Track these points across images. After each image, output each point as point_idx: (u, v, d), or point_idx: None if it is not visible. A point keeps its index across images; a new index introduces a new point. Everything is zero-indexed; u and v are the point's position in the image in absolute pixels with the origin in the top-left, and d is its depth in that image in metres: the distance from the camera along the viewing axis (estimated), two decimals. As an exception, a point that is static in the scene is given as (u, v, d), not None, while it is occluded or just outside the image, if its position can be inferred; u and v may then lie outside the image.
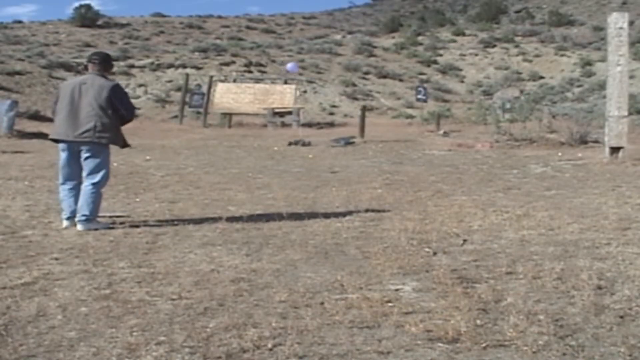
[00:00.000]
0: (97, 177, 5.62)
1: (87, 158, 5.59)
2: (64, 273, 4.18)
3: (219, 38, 48.44)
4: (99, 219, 5.69)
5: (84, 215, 5.51)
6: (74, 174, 5.69)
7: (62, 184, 5.73)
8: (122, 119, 5.71)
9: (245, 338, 3.03)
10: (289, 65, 12.27)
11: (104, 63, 5.73)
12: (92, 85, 5.54)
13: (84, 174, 5.65)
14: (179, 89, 26.51)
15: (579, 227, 5.53)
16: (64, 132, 5.57)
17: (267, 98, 21.18)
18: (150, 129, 18.68)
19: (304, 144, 14.05)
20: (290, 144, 13.99)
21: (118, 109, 5.58)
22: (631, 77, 19.74)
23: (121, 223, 5.79)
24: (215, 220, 5.92)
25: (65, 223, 5.65)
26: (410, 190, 7.82)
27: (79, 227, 5.51)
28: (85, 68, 5.87)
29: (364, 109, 18.05)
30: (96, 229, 5.47)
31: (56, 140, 5.71)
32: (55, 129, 5.68)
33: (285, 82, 24.22)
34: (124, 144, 5.87)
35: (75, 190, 5.70)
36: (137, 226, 5.68)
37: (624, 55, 10.91)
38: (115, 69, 31.61)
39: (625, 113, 10.90)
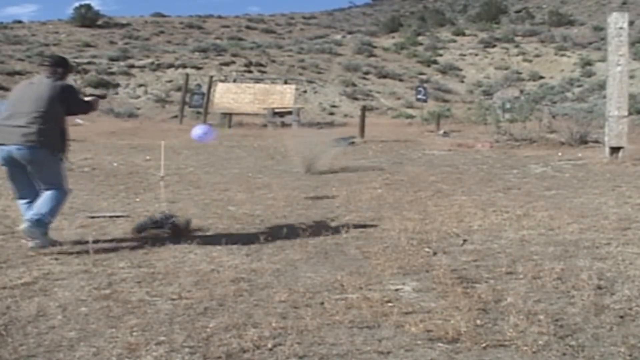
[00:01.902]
0: (55, 191, 4.86)
1: (35, 173, 4.84)
2: (64, 273, 4.19)
3: (219, 38, 48.44)
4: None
5: (37, 215, 4.75)
6: (26, 190, 4.97)
7: (18, 199, 5.06)
8: (76, 113, 5.19)
9: (245, 338, 3.03)
10: (199, 133, 6.01)
11: (56, 66, 5.02)
12: (38, 86, 4.93)
13: (41, 189, 4.90)
14: (179, 89, 26.52)
15: (579, 227, 5.52)
16: (3, 137, 4.82)
17: (267, 98, 21.18)
18: (150, 129, 18.68)
19: (175, 227, 5.48)
20: (139, 230, 5.49)
21: (64, 110, 4.94)
22: (631, 77, 19.76)
23: (120, 223, 5.79)
24: (215, 220, 5.92)
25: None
26: (410, 190, 7.82)
27: (25, 226, 4.77)
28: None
29: (364, 109, 18.04)
30: (40, 244, 4.72)
31: None
32: None
33: (286, 82, 24.24)
34: (63, 151, 5.00)
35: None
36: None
37: (624, 55, 10.90)
38: (115, 69, 31.77)
39: (625, 113, 10.89)
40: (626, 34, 10.95)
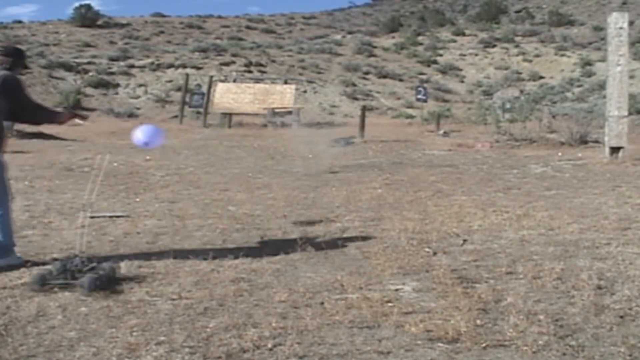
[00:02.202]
0: None
1: None
2: (64, 273, 4.18)
3: (219, 38, 48.46)
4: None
5: None
6: None
7: None
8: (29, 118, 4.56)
9: (245, 338, 3.03)
10: (143, 138, 4.44)
11: (7, 55, 4.42)
12: None
13: None
14: (179, 89, 26.52)
15: (579, 227, 5.52)
16: None
17: (267, 98, 21.19)
18: (150, 129, 18.66)
19: (94, 278, 3.81)
20: (42, 283, 3.82)
21: (9, 106, 4.30)
22: (631, 77, 19.75)
23: (120, 223, 5.79)
24: (215, 220, 5.92)
25: None
26: (410, 190, 7.82)
27: None
28: None
29: (364, 109, 18.06)
30: (9, 265, 4.26)
31: None
32: None
33: (286, 82, 24.25)
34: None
35: None
36: (137, 226, 5.68)
37: (624, 55, 10.90)
38: (115, 69, 31.75)
39: (625, 113, 10.90)
40: (626, 34, 10.96)
